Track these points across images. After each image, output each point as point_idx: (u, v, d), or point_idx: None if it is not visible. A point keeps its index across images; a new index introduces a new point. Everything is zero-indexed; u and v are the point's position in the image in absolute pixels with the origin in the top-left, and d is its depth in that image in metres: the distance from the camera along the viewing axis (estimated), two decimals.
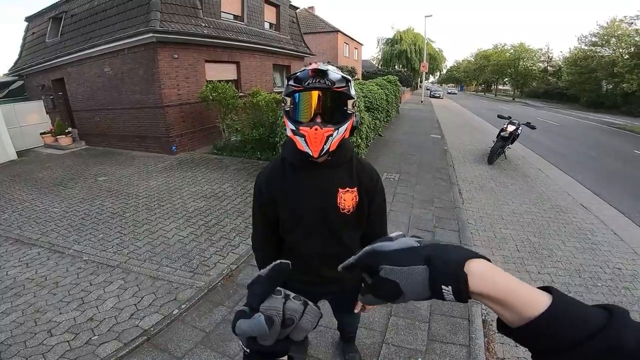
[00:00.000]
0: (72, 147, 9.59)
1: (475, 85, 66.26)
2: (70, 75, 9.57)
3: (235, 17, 10.13)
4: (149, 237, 3.94)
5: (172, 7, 7.65)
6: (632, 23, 19.14)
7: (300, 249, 1.32)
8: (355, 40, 28.47)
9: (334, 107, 1.07)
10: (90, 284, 3.09)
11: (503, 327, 0.43)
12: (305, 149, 1.06)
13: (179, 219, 4.39)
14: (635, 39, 19.10)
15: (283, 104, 1.09)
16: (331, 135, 1.05)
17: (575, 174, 6.88)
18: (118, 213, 4.70)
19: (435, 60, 41.67)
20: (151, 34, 6.95)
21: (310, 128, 1.03)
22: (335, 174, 1.20)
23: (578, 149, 9.92)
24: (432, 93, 35.13)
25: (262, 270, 0.52)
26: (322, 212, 1.22)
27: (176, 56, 7.62)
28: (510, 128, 7.26)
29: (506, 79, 46.48)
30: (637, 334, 0.35)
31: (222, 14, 9.31)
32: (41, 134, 9.92)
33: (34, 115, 10.21)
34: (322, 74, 1.00)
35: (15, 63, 11.76)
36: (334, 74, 1.02)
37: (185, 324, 2.51)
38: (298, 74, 1.04)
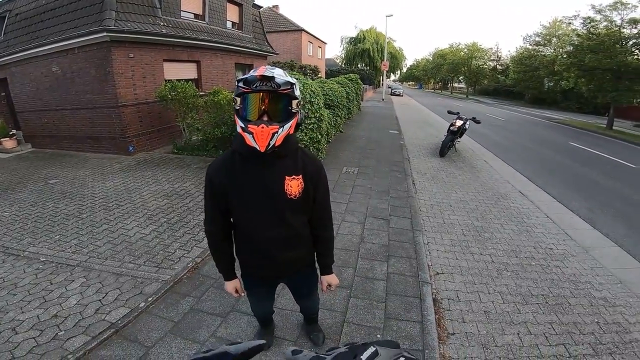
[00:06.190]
0: (17, 150, 8.92)
1: (433, 83, 68.93)
2: (13, 75, 8.88)
3: (196, 16, 9.90)
4: (108, 237, 3.87)
5: (128, 6, 7.37)
6: (570, 23, 20.71)
7: (251, 233, 1.44)
8: (319, 39, 28.64)
9: (279, 107, 1.19)
10: (51, 283, 3.02)
11: None
12: (253, 144, 1.19)
13: (140, 218, 4.32)
14: (573, 38, 20.69)
15: (234, 103, 1.21)
16: (276, 132, 1.18)
17: (516, 164, 7.63)
18: (74, 214, 4.54)
19: (396, 58, 42.09)
20: (105, 33, 6.67)
21: (257, 126, 1.16)
22: (282, 164, 1.33)
23: (520, 141, 10.91)
24: (392, 91, 35.92)
25: (230, 346, 0.48)
26: (270, 198, 1.35)
27: (132, 55, 7.35)
28: (459, 123, 7.86)
29: (461, 77, 48.74)
30: None
31: (182, 13, 9.08)
32: None
33: None
34: (269, 79, 1.13)
35: None
36: (280, 78, 1.14)
37: (153, 316, 2.54)
38: (247, 77, 1.13)
